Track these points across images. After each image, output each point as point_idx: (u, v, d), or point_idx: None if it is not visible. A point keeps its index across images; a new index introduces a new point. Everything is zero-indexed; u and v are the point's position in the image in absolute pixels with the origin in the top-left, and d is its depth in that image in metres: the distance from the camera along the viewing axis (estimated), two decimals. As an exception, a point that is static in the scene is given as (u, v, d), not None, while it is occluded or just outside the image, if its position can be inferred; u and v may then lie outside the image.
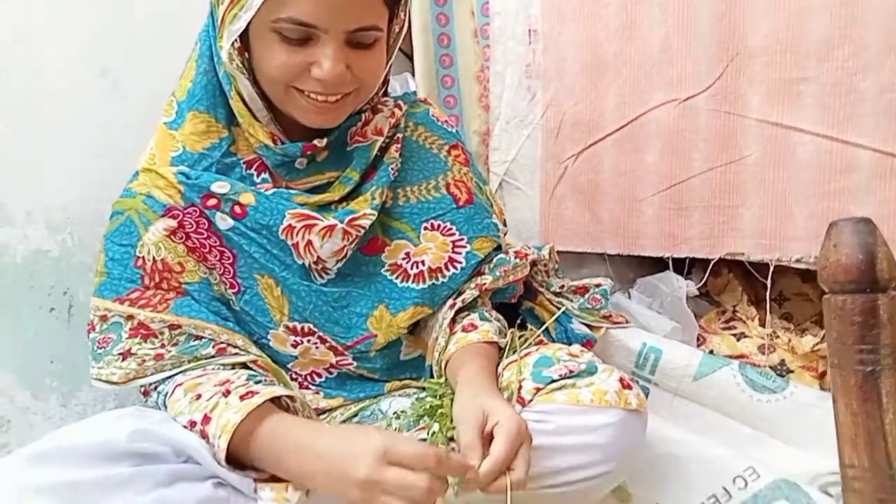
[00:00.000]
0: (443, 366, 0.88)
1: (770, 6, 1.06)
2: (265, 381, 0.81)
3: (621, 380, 0.80)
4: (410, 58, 1.47)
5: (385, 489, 0.65)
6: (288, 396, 0.79)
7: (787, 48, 1.06)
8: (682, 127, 1.17)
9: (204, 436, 0.74)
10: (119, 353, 0.82)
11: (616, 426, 0.77)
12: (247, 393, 0.75)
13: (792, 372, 1.16)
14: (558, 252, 1.22)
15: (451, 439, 0.78)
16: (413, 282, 0.92)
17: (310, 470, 0.70)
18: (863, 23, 0.99)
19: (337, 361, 0.93)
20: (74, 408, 1.20)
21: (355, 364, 0.94)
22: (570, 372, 0.80)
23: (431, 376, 0.92)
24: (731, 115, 1.12)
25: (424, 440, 0.80)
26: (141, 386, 0.86)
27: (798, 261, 1.09)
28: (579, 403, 0.77)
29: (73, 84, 1.19)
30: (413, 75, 1.47)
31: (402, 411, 0.85)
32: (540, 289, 1.12)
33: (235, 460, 0.74)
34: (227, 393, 0.76)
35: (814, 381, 1.14)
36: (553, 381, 0.79)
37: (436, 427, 0.79)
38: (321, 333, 0.90)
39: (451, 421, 0.79)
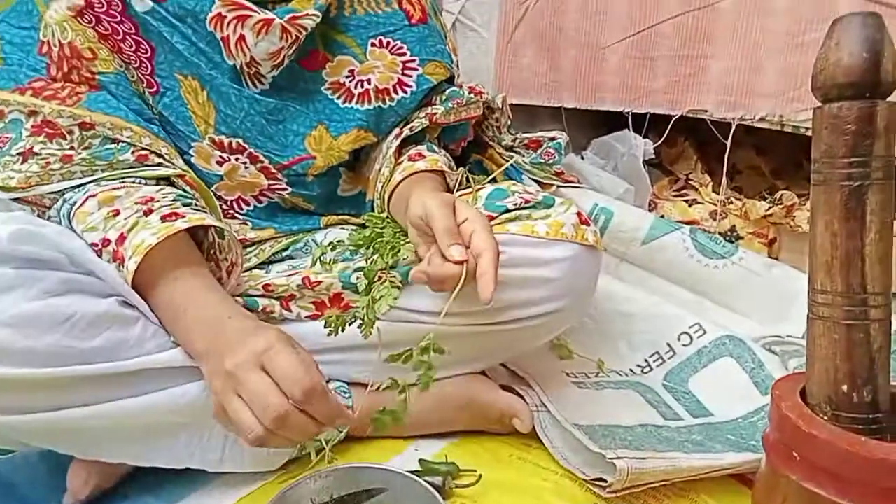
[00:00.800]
0: (386, 198, 0.80)
1: None
2: (194, 204, 0.72)
3: (579, 214, 0.74)
4: None
5: (241, 391, 0.57)
6: (216, 229, 0.70)
7: None
8: (656, -35, 1.07)
9: (117, 258, 0.65)
10: (18, 153, 0.70)
11: (571, 261, 0.72)
12: (170, 214, 0.66)
13: (742, 238, 1.14)
14: (511, 105, 1.13)
15: (393, 267, 0.71)
16: (357, 102, 0.82)
17: (201, 348, 0.63)
18: None
19: (269, 186, 0.83)
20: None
21: (290, 190, 0.84)
22: (526, 202, 0.74)
23: (372, 211, 0.84)
24: (711, -46, 1.03)
25: (362, 269, 0.73)
26: (41, 215, 0.74)
27: (762, 119, 1.05)
28: (534, 234, 0.71)
29: None
30: None
31: (338, 241, 0.77)
32: (490, 143, 1.04)
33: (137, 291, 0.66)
34: (148, 212, 0.67)
35: (763, 249, 1.12)
36: (507, 210, 0.73)
37: (375, 256, 0.72)
38: (252, 150, 0.80)
39: (393, 250, 0.72)
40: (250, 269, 0.81)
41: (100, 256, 0.66)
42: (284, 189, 0.84)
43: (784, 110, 1.01)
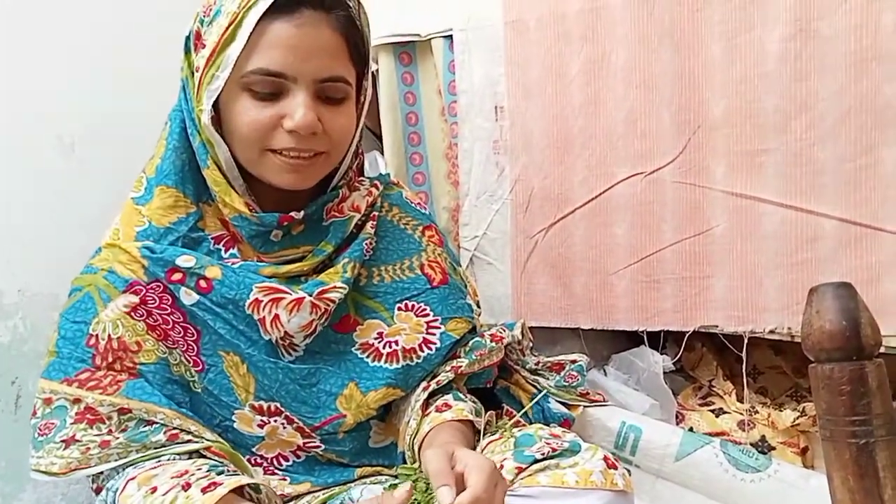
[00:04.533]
0: (416, 449, 0.83)
1: (727, 80, 1.10)
2: (227, 471, 0.76)
3: (605, 459, 0.76)
4: (379, 137, 1.48)
5: None
6: (252, 486, 0.74)
7: (746, 120, 1.09)
8: (649, 199, 1.18)
9: None
10: (62, 441, 0.76)
11: (603, 509, 0.73)
12: (209, 485, 0.70)
13: (774, 448, 1.13)
14: (531, 328, 1.20)
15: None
16: (386, 361, 0.88)
17: None
18: (817, 95, 1.03)
19: (304, 443, 0.87)
20: (16, 510, 1.11)
21: (323, 447, 0.88)
22: (553, 451, 0.76)
23: (404, 463, 0.87)
24: (697, 186, 1.14)
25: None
26: (92, 482, 0.80)
27: (772, 332, 1.09)
28: (564, 485, 0.73)
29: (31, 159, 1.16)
30: (382, 154, 1.48)
31: (373, 500, 0.79)
32: (515, 367, 1.09)
33: None
34: (186, 486, 0.70)
35: (796, 458, 1.11)
36: (536, 460, 0.75)
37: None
38: (288, 413, 0.85)
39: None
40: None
41: None
42: (318, 446, 0.88)
43: (791, 322, 1.05)
